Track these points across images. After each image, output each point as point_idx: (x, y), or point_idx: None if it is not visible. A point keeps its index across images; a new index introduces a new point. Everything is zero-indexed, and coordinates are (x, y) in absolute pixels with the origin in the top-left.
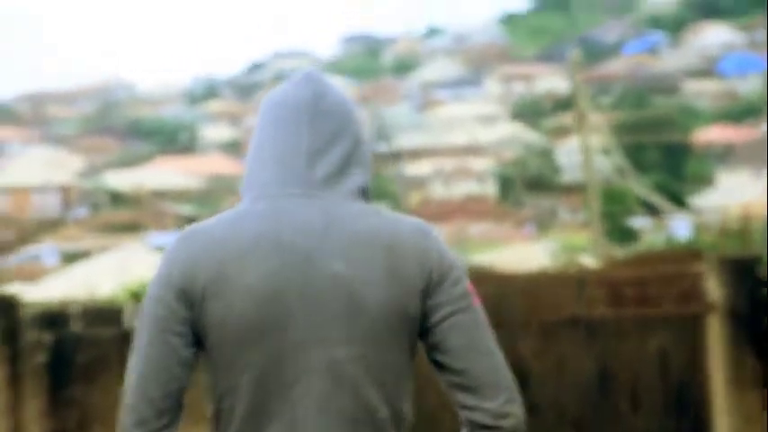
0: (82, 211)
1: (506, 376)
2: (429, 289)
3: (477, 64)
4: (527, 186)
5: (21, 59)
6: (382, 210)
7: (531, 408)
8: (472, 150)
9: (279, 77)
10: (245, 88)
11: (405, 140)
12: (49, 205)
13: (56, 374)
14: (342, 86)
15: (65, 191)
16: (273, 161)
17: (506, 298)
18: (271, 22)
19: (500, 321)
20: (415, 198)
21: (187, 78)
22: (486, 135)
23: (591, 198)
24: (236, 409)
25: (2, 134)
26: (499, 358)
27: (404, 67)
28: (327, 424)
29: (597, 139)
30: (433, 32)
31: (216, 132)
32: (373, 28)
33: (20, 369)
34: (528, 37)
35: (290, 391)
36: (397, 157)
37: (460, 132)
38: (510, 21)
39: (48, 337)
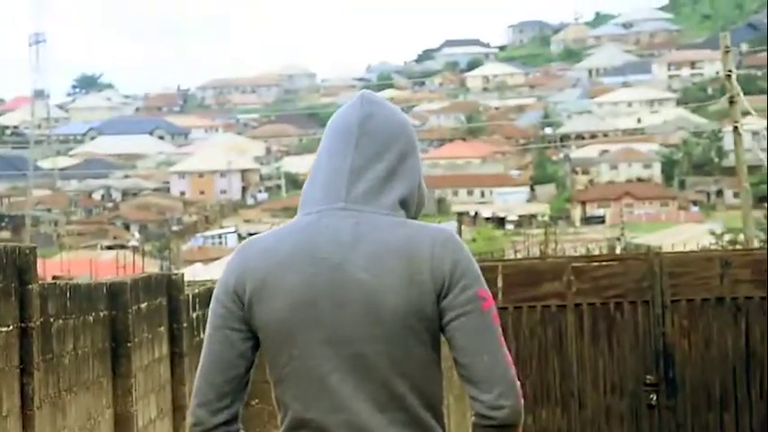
0: (262, 195)
1: (503, 373)
2: (441, 293)
3: (645, 50)
4: (692, 169)
5: (205, 49)
6: (410, 222)
7: (677, 384)
8: (638, 134)
9: (450, 65)
10: (417, 76)
11: (572, 125)
12: (231, 189)
13: None
14: (515, 72)
15: (245, 175)
16: (322, 181)
17: (654, 277)
18: (442, 10)
19: (648, 300)
20: (581, 181)
21: (362, 67)
22: (652, 119)
23: (740, 180)
24: (287, 394)
25: (188, 122)
26: (499, 357)
27: (572, 53)
28: (362, 409)
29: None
30: (600, 19)
31: None
32: (542, 15)
33: (181, 346)
34: (696, 23)
35: (328, 380)
36: (564, 141)
37: (627, 117)
38: (677, 7)
39: None
